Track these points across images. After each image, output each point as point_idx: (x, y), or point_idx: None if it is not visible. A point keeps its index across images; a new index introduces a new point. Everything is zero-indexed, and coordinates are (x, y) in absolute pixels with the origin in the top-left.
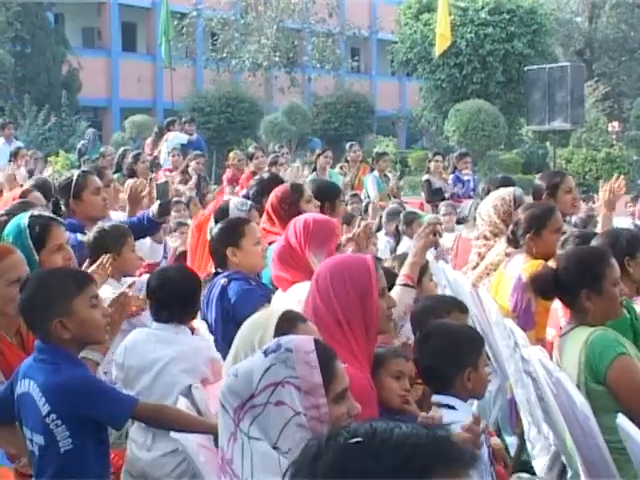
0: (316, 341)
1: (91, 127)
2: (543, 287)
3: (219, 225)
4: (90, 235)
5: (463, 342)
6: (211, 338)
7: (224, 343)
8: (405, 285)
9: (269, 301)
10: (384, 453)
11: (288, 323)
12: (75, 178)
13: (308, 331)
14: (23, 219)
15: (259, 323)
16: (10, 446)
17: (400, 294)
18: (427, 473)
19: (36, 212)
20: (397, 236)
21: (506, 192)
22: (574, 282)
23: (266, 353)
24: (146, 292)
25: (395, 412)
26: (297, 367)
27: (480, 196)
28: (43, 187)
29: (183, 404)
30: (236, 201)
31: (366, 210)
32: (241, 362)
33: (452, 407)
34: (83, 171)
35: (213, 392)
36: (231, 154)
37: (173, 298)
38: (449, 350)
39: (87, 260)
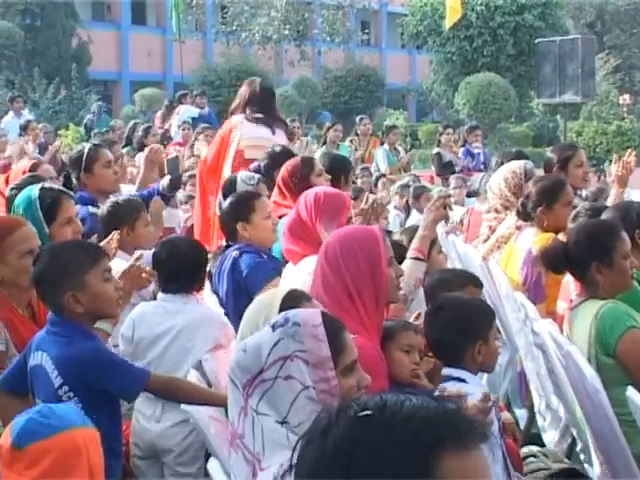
0: (323, 314)
1: (100, 101)
2: (553, 261)
3: (229, 199)
4: (104, 209)
5: (474, 315)
6: (221, 311)
7: (235, 316)
8: (416, 259)
9: (280, 274)
10: (394, 426)
11: (292, 302)
12: (86, 151)
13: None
14: (34, 191)
15: (264, 304)
16: None
17: (411, 268)
18: (437, 446)
19: (47, 185)
20: (407, 210)
21: (517, 165)
22: (585, 255)
23: (274, 327)
24: (154, 264)
25: (405, 385)
26: (305, 341)
27: (493, 170)
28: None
29: (194, 376)
30: (244, 175)
31: (376, 184)
32: (249, 337)
33: (462, 380)
34: (94, 144)
35: (224, 362)
36: None
37: (181, 269)
38: (460, 323)
39: (96, 235)
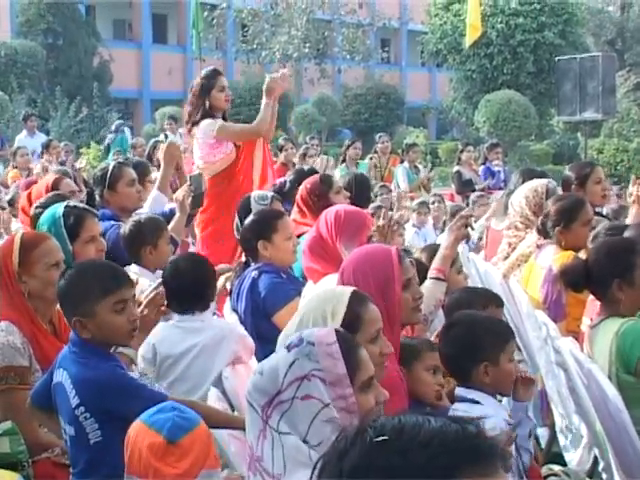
0: (337, 332)
1: (121, 119)
2: (573, 279)
3: (252, 217)
4: (126, 227)
5: (481, 334)
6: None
7: (253, 336)
8: (436, 279)
9: (300, 294)
10: (411, 451)
11: (359, 300)
12: (110, 169)
13: (375, 310)
14: (58, 209)
15: (330, 296)
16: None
17: (431, 288)
18: (454, 472)
19: (71, 203)
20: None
21: (539, 183)
22: (605, 273)
23: (289, 348)
24: (163, 284)
25: (427, 405)
26: (320, 359)
27: (515, 186)
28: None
29: (214, 394)
30: (257, 195)
31: (395, 201)
32: (265, 360)
33: (475, 401)
34: (118, 162)
35: (244, 379)
36: None
37: (185, 289)
38: (465, 341)
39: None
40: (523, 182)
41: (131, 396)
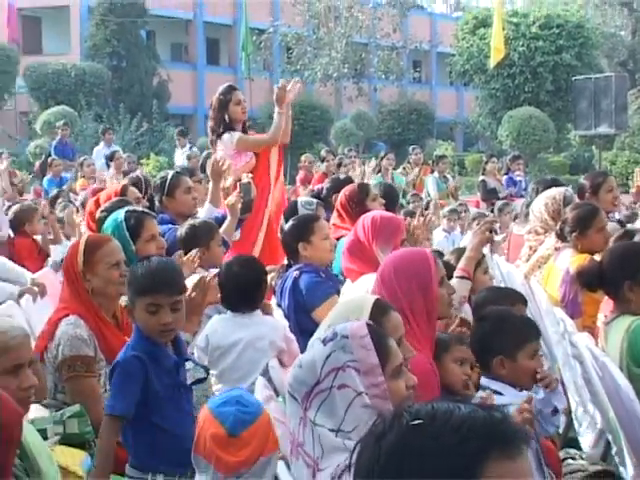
0: (368, 325)
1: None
2: (588, 280)
3: (291, 222)
4: (182, 230)
5: (501, 330)
6: (286, 323)
7: (296, 331)
8: (461, 277)
9: (338, 292)
10: (443, 434)
11: (381, 310)
12: (169, 178)
13: (397, 318)
14: (120, 214)
15: (355, 305)
16: None
17: (457, 286)
18: (482, 454)
19: (131, 207)
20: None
21: (557, 192)
22: (617, 274)
23: (325, 342)
24: (218, 284)
25: (456, 394)
26: (354, 351)
27: (530, 195)
28: (138, 182)
29: (261, 382)
30: (303, 201)
31: (427, 208)
32: (303, 354)
33: (498, 392)
34: (176, 172)
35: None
36: (303, 157)
37: (238, 291)
38: (485, 334)
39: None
40: (537, 192)
41: (113, 385)
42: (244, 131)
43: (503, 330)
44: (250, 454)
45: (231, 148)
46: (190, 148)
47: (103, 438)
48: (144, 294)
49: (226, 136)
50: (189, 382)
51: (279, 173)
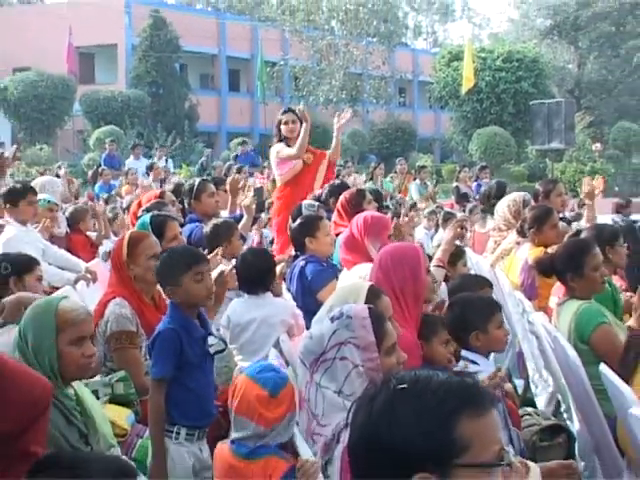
0: (369, 309)
1: (206, 147)
2: (543, 268)
3: (299, 220)
4: (207, 228)
5: (472, 310)
6: (294, 304)
7: (302, 309)
8: (438, 266)
9: (337, 278)
10: (424, 396)
11: (374, 294)
12: (196, 184)
13: (387, 301)
14: (146, 218)
15: (352, 290)
16: None
17: (434, 273)
18: (457, 412)
19: (156, 212)
20: (436, 228)
21: (518, 195)
22: (562, 267)
23: (332, 320)
24: (236, 272)
25: (439, 368)
26: (356, 330)
27: (481, 198)
28: (176, 188)
29: (273, 353)
30: (306, 203)
31: (410, 209)
32: (314, 326)
33: (474, 362)
34: (202, 179)
35: (297, 343)
36: None
37: (251, 276)
38: (460, 316)
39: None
40: (489, 195)
41: (155, 352)
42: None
43: (473, 310)
44: (284, 411)
45: (275, 157)
46: (149, 158)
47: (153, 399)
48: (190, 267)
49: (272, 148)
50: (212, 352)
51: (327, 180)
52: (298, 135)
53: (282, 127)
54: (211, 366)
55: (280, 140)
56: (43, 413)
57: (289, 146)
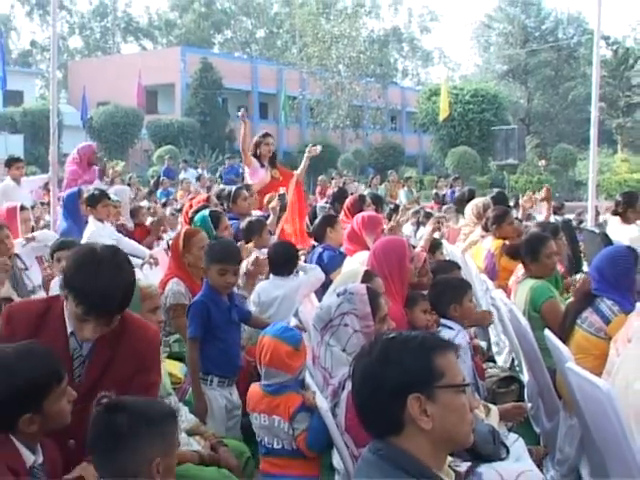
0: (367, 287)
1: (241, 162)
2: (511, 253)
3: (322, 216)
4: (243, 224)
5: (448, 289)
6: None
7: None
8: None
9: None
10: (408, 342)
11: (368, 277)
12: (233, 191)
13: (378, 281)
14: (205, 213)
15: (351, 274)
16: None
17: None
18: (432, 350)
19: (213, 209)
20: (418, 225)
21: (481, 200)
22: (524, 253)
23: (338, 295)
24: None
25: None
26: (356, 303)
27: (455, 201)
28: (219, 193)
29: (294, 322)
30: (319, 206)
31: (396, 210)
32: (324, 300)
33: (450, 327)
34: (237, 187)
35: (310, 313)
36: (319, 178)
37: (278, 261)
38: (441, 293)
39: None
40: (462, 198)
41: (189, 317)
42: (272, 163)
43: (452, 287)
44: (303, 361)
45: (248, 169)
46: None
47: (189, 354)
48: (217, 262)
49: (252, 162)
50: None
51: (296, 196)
52: (273, 154)
53: (263, 148)
54: (236, 329)
55: (255, 156)
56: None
57: (262, 163)
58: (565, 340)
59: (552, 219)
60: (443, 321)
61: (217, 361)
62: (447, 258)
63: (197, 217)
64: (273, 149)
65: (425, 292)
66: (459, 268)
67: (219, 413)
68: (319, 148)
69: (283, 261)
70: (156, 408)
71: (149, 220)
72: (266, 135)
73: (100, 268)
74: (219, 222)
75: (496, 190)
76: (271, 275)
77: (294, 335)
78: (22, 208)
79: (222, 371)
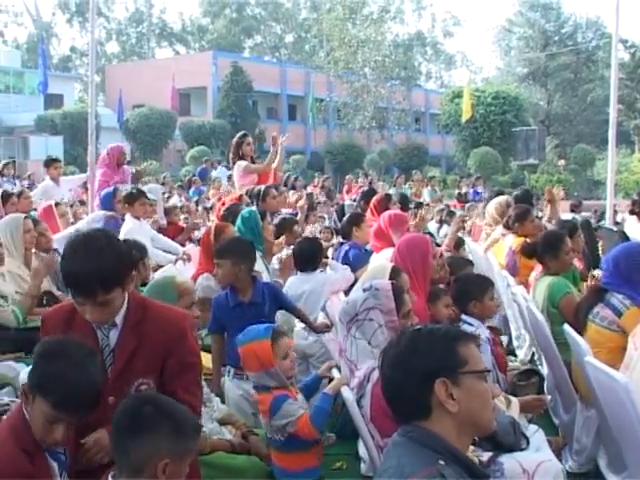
0: (392, 284)
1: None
2: (528, 252)
3: (348, 215)
4: (276, 221)
5: (468, 286)
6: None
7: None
8: (447, 250)
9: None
10: (434, 332)
11: (396, 272)
12: (262, 190)
13: (405, 277)
14: (253, 208)
15: (379, 269)
16: None
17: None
18: (456, 339)
19: (253, 207)
20: (441, 223)
21: (503, 198)
22: (543, 250)
23: (364, 290)
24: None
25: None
26: (381, 299)
27: (487, 201)
28: (249, 192)
29: (321, 316)
30: (346, 204)
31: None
32: (351, 295)
33: (471, 324)
34: (267, 186)
35: (337, 307)
36: (347, 177)
37: (304, 258)
38: (462, 289)
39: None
40: (491, 197)
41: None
42: (253, 162)
43: (473, 285)
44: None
45: (240, 171)
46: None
47: (212, 347)
48: (238, 258)
49: (237, 164)
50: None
51: (275, 181)
52: (253, 153)
53: (245, 147)
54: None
55: (241, 158)
56: (192, 328)
57: (254, 163)
58: (580, 333)
59: (570, 217)
60: (464, 317)
61: (232, 354)
62: (470, 256)
63: (243, 213)
64: (253, 147)
65: (442, 285)
66: (472, 265)
67: (240, 403)
68: (284, 137)
69: (308, 258)
70: (185, 416)
71: (182, 217)
72: (245, 135)
73: (76, 253)
74: (263, 217)
75: (522, 188)
76: (298, 272)
77: (259, 330)
78: (57, 204)
79: (237, 364)
